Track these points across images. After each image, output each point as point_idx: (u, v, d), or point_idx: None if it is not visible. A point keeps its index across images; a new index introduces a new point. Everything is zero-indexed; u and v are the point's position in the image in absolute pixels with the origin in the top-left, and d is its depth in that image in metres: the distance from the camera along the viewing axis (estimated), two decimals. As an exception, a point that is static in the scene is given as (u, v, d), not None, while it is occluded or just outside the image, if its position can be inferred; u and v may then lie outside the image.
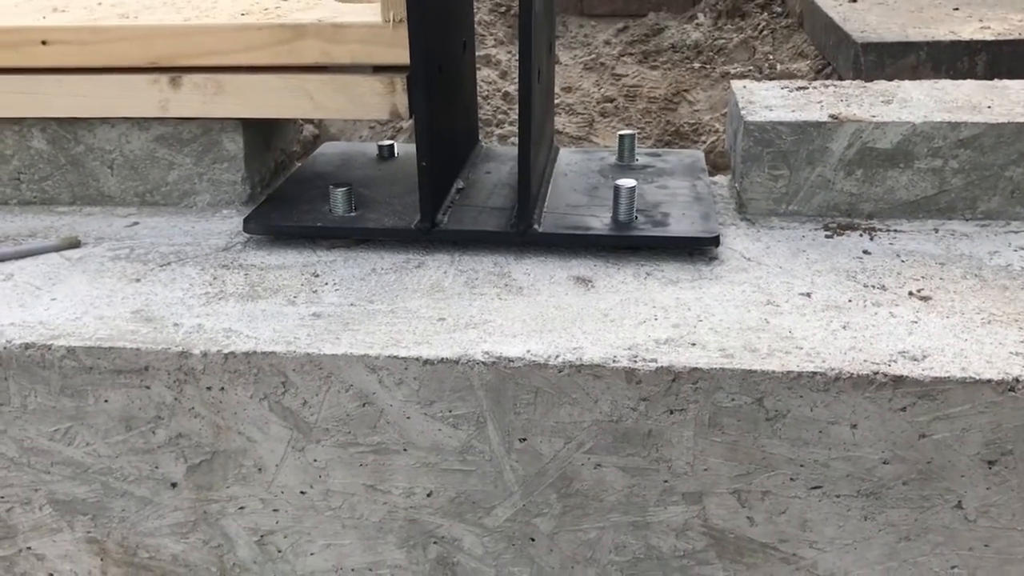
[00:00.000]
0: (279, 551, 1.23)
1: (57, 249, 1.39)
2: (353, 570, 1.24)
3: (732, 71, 3.76)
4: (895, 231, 1.42)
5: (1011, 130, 1.40)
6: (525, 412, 1.11)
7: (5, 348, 1.14)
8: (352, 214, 1.43)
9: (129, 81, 1.45)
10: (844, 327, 1.14)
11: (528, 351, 1.10)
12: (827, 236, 1.41)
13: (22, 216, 1.53)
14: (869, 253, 1.35)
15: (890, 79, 1.71)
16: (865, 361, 1.06)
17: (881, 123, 1.41)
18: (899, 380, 1.04)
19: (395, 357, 1.09)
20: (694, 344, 1.11)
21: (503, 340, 1.12)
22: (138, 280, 1.29)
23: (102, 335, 1.15)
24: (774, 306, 1.20)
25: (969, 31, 3.01)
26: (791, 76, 3.54)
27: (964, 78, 2.80)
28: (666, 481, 1.13)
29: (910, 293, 1.23)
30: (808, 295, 1.23)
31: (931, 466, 1.08)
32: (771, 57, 3.84)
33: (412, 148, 1.41)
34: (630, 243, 1.36)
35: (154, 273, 1.31)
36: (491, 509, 1.17)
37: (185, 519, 1.22)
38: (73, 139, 1.53)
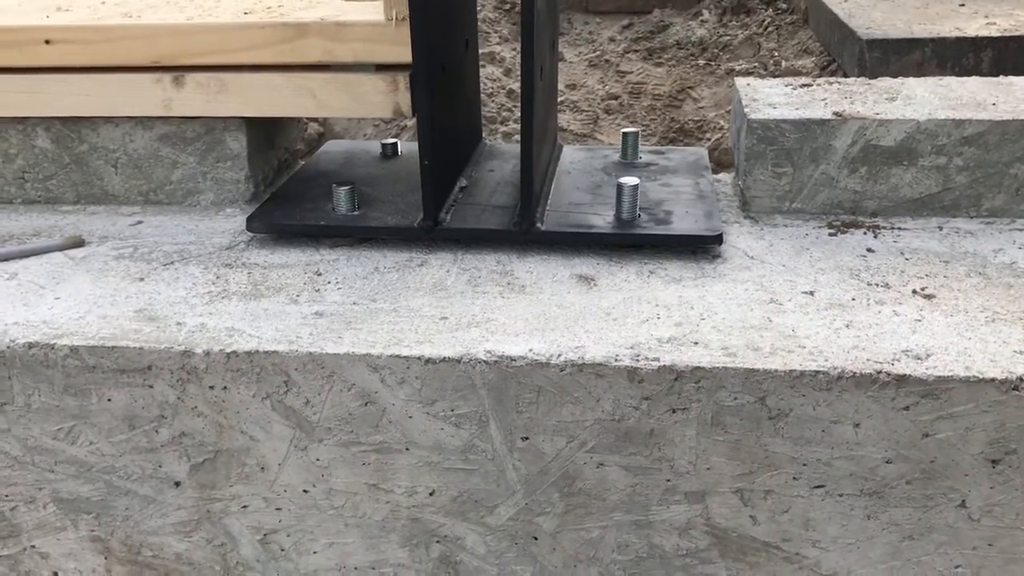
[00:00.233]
0: (282, 550, 1.23)
1: (61, 248, 1.39)
2: (356, 569, 1.24)
3: (737, 68, 3.75)
4: (899, 229, 1.42)
5: (1016, 127, 1.40)
6: (527, 411, 1.11)
7: (9, 347, 1.14)
8: (355, 213, 1.43)
9: (132, 80, 1.45)
10: (847, 326, 1.14)
11: (530, 350, 1.10)
12: (831, 234, 1.41)
13: (27, 215, 1.54)
14: (873, 251, 1.35)
15: (895, 76, 1.71)
16: (868, 360, 1.06)
17: (885, 120, 1.41)
18: (902, 379, 1.04)
19: (397, 356, 1.09)
20: (696, 343, 1.11)
21: (505, 339, 1.12)
22: (141, 279, 1.29)
23: (105, 334, 1.15)
24: (777, 304, 1.19)
25: (974, 27, 3.00)
26: (796, 73, 3.53)
27: (969, 75, 2.79)
28: (669, 480, 1.13)
29: (914, 291, 1.22)
30: (811, 293, 1.22)
31: (934, 465, 1.08)
32: (776, 54, 3.83)
33: (415, 146, 1.41)
34: (633, 241, 1.36)
35: (157, 272, 1.31)
36: (494, 508, 1.17)
37: (188, 518, 1.23)
38: (77, 138, 1.53)
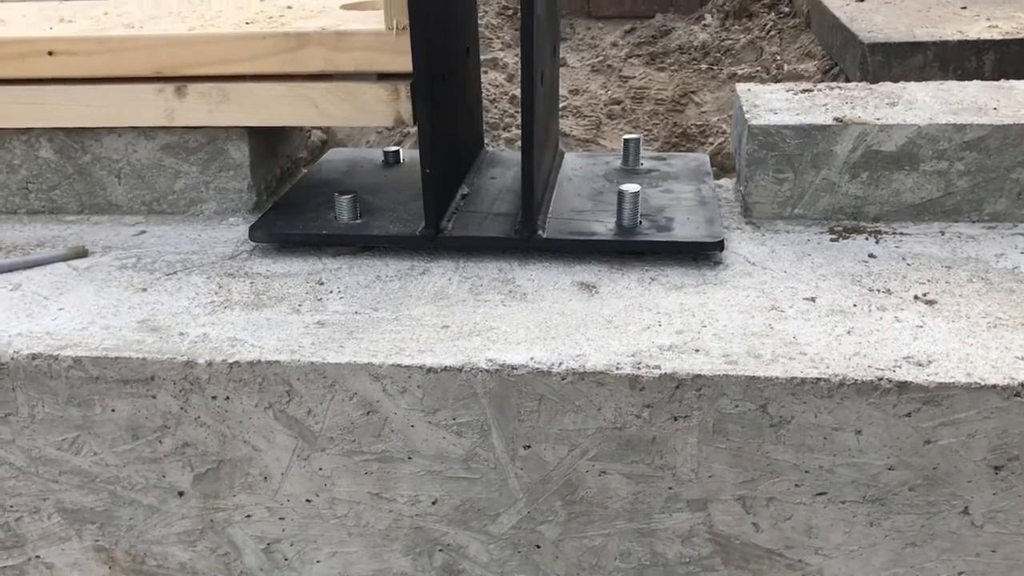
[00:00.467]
0: (285, 559, 1.24)
1: (64, 259, 1.40)
2: (359, 577, 1.24)
3: (739, 72, 3.75)
4: (901, 234, 1.42)
5: (1017, 132, 1.40)
6: (529, 420, 1.11)
7: (13, 359, 1.15)
8: (357, 221, 1.43)
9: (135, 91, 1.46)
10: (849, 332, 1.14)
11: (532, 358, 1.10)
12: (832, 239, 1.41)
13: (31, 225, 1.54)
14: (874, 256, 1.35)
15: (897, 79, 1.71)
16: (869, 367, 1.06)
17: (886, 126, 1.41)
18: (904, 386, 1.04)
19: (399, 365, 1.10)
20: (698, 350, 1.11)
21: (507, 347, 1.12)
22: (144, 289, 1.30)
23: (108, 345, 1.16)
24: (778, 311, 1.20)
25: (976, 30, 3.00)
26: (798, 77, 3.53)
27: (972, 78, 2.79)
28: (671, 488, 1.13)
29: (915, 297, 1.22)
30: (813, 300, 1.22)
31: (937, 472, 1.08)
32: (778, 58, 3.83)
33: (418, 153, 1.41)
34: (634, 248, 1.36)
35: (160, 282, 1.32)
36: (496, 516, 1.17)
37: (192, 527, 1.23)
38: (80, 149, 1.54)
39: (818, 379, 1.05)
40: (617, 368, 1.08)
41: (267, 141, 1.60)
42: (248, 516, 1.21)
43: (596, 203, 1.49)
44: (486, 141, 1.82)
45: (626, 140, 1.69)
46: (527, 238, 1.37)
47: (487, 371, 1.09)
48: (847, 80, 3.19)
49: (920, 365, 1.06)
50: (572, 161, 1.71)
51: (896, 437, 1.07)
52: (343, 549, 1.22)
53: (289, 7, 1.61)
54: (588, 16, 4.94)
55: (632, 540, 1.17)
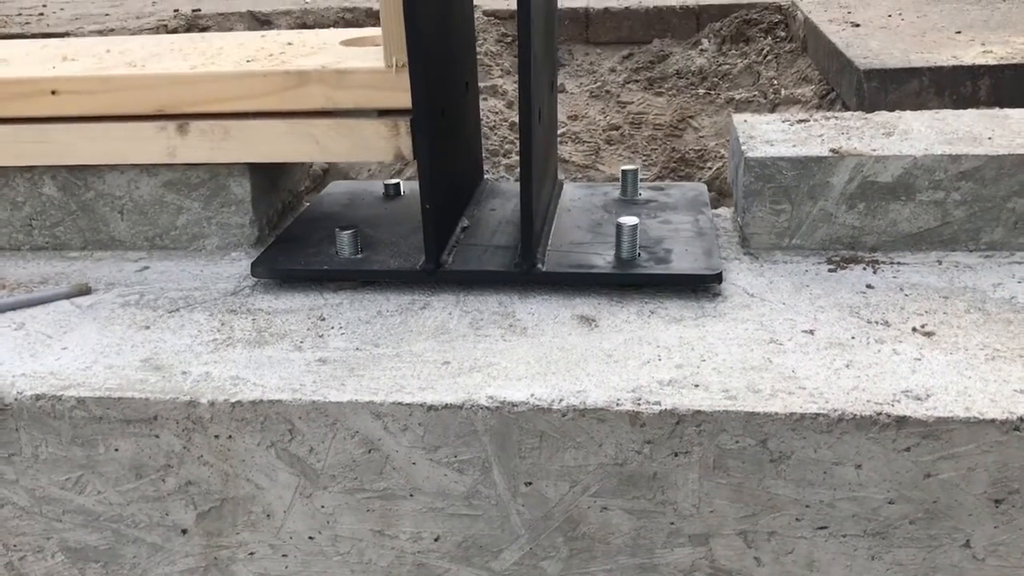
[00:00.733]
0: (288, 596, 1.24)
1: (68, 296, 1.41)
2: (362, 614, 1.24)
3: (737, 96, 3.78)
4: (898, 264, 1.42)
5: (1012, 162, 1.41)
6: (530, 456, 1.11)
7: (16, 399, 1.15)
8: (358, 256, 1.44)
9: (137, 129, 1.47)
10: (847, 365, 1.14)
11: (532, 395, 1.11)
12: (830, 270, 1.42)
13: (34, 262, 1.55)
14: (872, 287, 1.35)
15: (893, 105, 1.72)
16: (868, 401, 1.07)
17: (882, 156, 1.42)
18: (902, 421, 1.04)
19: (400, 403, 1.10)
20: (697, 385, 1.11)
21: (507, 384, 1.13)
22: (147, 327, 1.30)
23: (112, 385, 1.16)
24: (777, 344, 1.20)
25: (971, 55, 3.02)
26: (795, 101, 3.55)
27: (967, 103, 2.81)
28: (672, 523, 1.13)
29: (914, 329, 1.23)
30: (811, 332, 1.23)
31: (937, 505, 1.08)
32: (775, 82, 3.86)
33: (418, 185, 1.42)
34: (633, 281, 1.37)
35: (163, 320, 1.33)
36: (498, 553, 1.17)
37: (196, 565, 1.23)
38: (83, 185, 1.55)
39: (817, 414, 1.05)
40: (617, 404, 1.08)
41: (269, 176, 1.61)
42: (251, 554, 1.21)
43: (595, 235, 1.50)
44: (486, 168, 1.84)
45: (624, 171, 1.70)
46: (527, 271, 1.37)
47: (488, 408, 1.10)
48: (844, 105, 3.21)
49: (919, 399, 1.07)
50: (571, 192, 1.72)
51: (896, 471, 1.07)
52: (346, 586, 1.22)
53: (290, 43, 1.63)
54: (586, 42, 4.98)
55: (634, 575, 1.17)
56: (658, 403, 1.08)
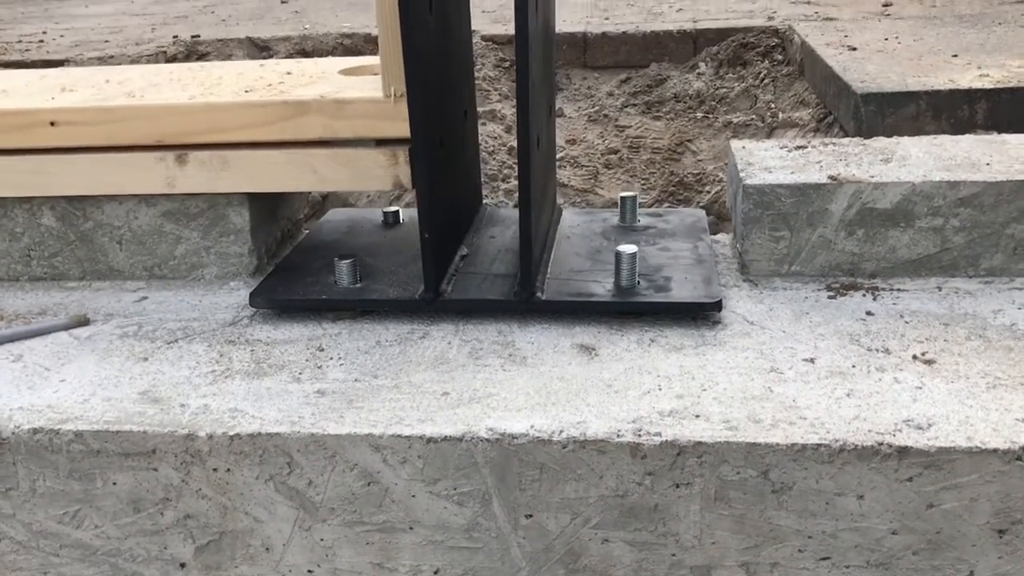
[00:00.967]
0: (287, 630, 1.22)
1: (66, 327, 1.40)
2: (362, 648, 1.23)
3: (735, 120, 3.79)
4: (898, 290, 1.42)
5: (1010, 188, 1.41)
6: (530, 488, 1.11)
7: (14, 433, 1.15)
8: (357, 285, 1.44)
9: (136, 159, 1.48)
10: (848, 394, 1.14)
11: (532, 426, 1.10)
12: (830, 297, 1.42)
13: (32, 292, 1.55)
14: (872, 314, 1.35)
15: (891, 128, 1.73)
16: (870, 431, 1.06)
17: (880, 183, 1.42)
18: (904, 451, 1.04)
19: (399, 436, 1.10)
20: (698, 416, 1.11)
21: (507, 415, 1.13)
22: (146, 359, 1.30)
23: (110, 418, 1.16)
24: (778, 373, 1.20)
25: (968, 79, 3.03)
26: (793, 125, 3.57)
27: (964, 126, 2.82)
28: (674, 555, 1.12)
29: (914, 356, 1.22)
30: (812, 360, 1.23)
31: (940, 536, 1.07)
32: (773, 106, 3.88)
33: (417, 213, 1.43)
34: (632, 309, 1.37)
35: (161, 351, 1.32)
36: (499, 585, 1.16)
37: (193, 599, 1.22)
38: (82, 216, 1.55)
39: (819, 445, 1.05)
40: (618, 436, 1.08)
41: (267, 205, 1.61)
42: (249, 587, 1.20)
43: (594, 262, 1.50)
44: (485, 193, 1.84)
45: (623, 197, 1.70)
46: (526, 300, 1.37)
47: (488, 440, 1.09)
48: (841, 128, 3.22)
49: (920, 428, 1.06)
50: (570, 218, 1.72)
51: (898, 501, 1.06)
52: (345, 620, 1.21)
53: (288, 73, 1.64)
54: (584, 66, 5.01)
55: (636, 607, 1.16)
56: (659, 434, 1.08)
